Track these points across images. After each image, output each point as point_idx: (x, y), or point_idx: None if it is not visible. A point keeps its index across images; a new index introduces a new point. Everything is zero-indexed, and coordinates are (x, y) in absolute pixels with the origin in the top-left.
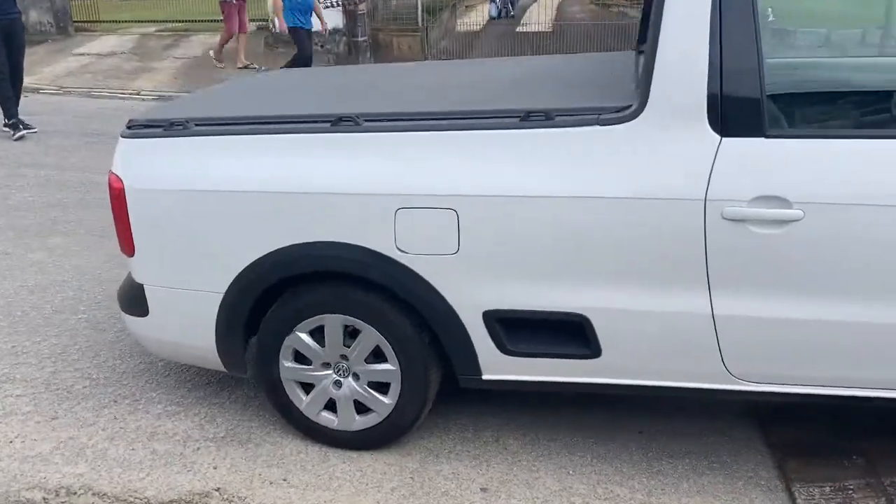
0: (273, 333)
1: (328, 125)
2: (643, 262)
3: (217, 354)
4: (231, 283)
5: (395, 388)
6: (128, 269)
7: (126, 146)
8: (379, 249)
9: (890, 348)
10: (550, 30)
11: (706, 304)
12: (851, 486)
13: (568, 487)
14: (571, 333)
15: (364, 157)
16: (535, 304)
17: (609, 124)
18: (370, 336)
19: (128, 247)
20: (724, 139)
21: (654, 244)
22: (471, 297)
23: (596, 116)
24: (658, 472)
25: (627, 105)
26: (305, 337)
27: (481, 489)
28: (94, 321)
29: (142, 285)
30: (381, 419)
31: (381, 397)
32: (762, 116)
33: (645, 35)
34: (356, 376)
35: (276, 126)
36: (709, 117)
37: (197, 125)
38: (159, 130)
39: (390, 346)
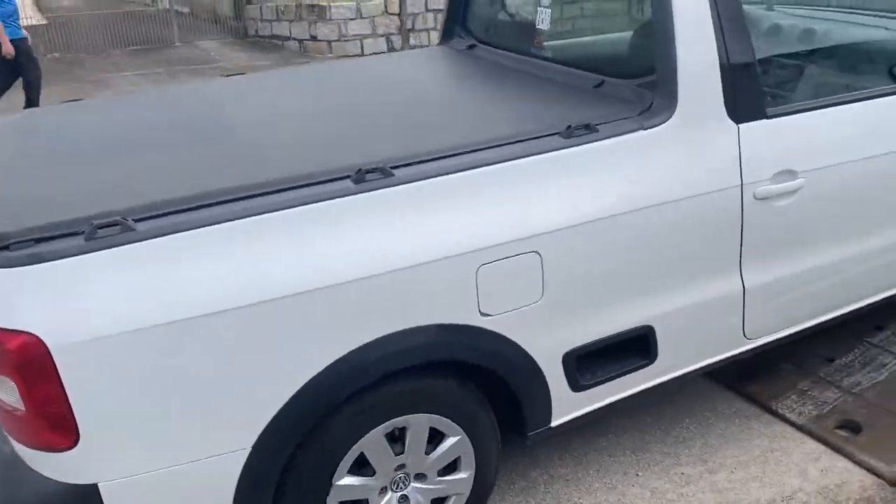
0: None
1: (349, 184)
2: (694, 258)
3: None
4: (262, 434)
5: (467, 458)
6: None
7: (21, 280)
8: (460, 321)
9: (866, 270)
10: (46, 22)
11: (739, 280)
12: (805, 387)
13: (652, 488)
14: (636, 347)
15: (419, 215)
16: (609, 330)
17: (651, 128)
18: (420, 425)
19: (58, 435)
20: (740, 125)
21: (704, 237)
22: (552, 343)
23: (639, 123)
24: (686, 440)
25: (647, 107)
26: (350, 480)
27: None
28: None
29: (94, 485)
30: (465, 497)
31: (457, 476)
32: (762, 100)
33: (451, 30)
34: (421, 476)
35: (266, 200)
36: (726, 108)
37: (138, 220)
38: (77, 243)
39: (446, 418)
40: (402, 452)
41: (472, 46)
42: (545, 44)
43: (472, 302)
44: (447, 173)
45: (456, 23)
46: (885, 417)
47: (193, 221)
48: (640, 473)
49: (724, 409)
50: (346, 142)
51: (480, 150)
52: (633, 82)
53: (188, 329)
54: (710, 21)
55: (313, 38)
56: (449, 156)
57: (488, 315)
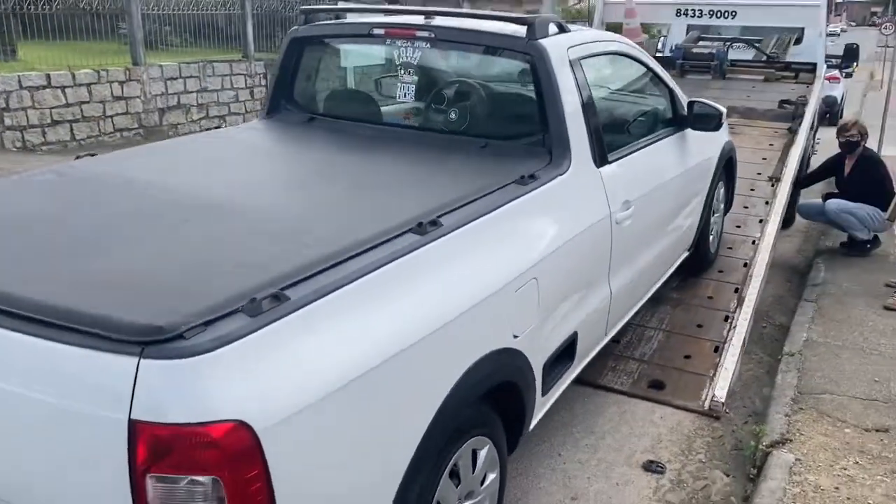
0: None
1: (415, 237)
2: (592, 273)
3: None
4: (402, 478)
5: (493, 462)
6: None
7: (211, 367)
8: (505, 345)
9: (657, 263)
10: None
11: (608, 287)
12: (613, 364)
13: (577, 461)
14: (567, 352)
15: (472, 253)
16: (560, 339)
17: (562, 175)
18: (468, 451)
19: None
20: (600, 170)
21: (597, 255)
22: (540, 355)
23: (555, 171)
24: (568, 423)
25: (550, 160)
26: None
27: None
28: None
29: None
30: (496, 496)
31: (489, 480)
32: (605, 150)
33: (277, 105)
34: (470, 494)
35: (366, 259)
36: (592, 158)
37: (283, 288)
38: (244, 320)
39: (481, 436)
40: (460, 483)
41: (311, 119)
42: (409, 115)
43: (508, 326)
44: (480, 216)
45: (283, 97)
46: (674, 373)
47: (330, 285)
48: (561, 453)
49: (570, 394)
50: (362, 202)
51: (480, 197)
52: (519, 142)
53: (358, 387)
54: (579, 97)
55: None
56: (467, 203)
57: (517, 336)
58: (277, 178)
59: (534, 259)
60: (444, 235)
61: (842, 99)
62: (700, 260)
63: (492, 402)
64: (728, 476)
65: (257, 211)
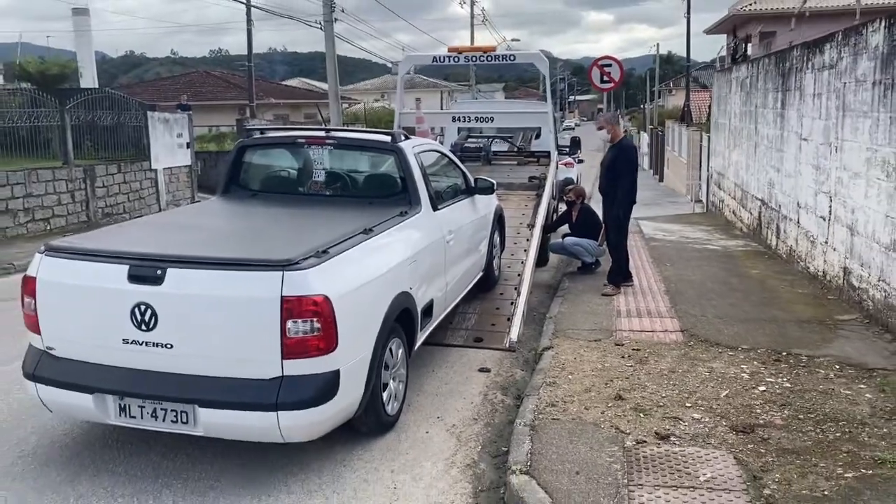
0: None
1: (364, 235)
2: (438, 267)
3: (363, 393)
4: (377, 337)
5: (401, 350)
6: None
7: (313, 274)
8: (406, 289)
9: (470, 269)
10: None
11: (444, 279)
12: (449, 332)
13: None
14: (428, 310)
15: (393, 241)
16: (426, 300)
17: (417, 214)
18: (389, 349)
19: (332, 343)
20: (436, 212)
21: (439, 258)
22: (420, 303)
23: (414, 211)
24: (436, 369)
25: (408, 207)
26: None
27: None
28: None
29: (338, 370)
30: (405, 372)
31: (400, 357)
32: (436, 202)
33: (228, 187)
34: (394, 367)
35: (350, 242)
36: (431, 207)
37: (327, 250)
38: (316, 258)
39: (397, 338)
40: (389, 367)
41: (254, 195)
42: (321, 187)
43: (407, 282)
44: (389, 228)
45: (233, 182)
46: (487, 333)
47: (344, 247)
48: (434, 370)
49: (428, 350)
50: (326, 224)
51: (384, 222)
52: (389, 199)
53: (367, 286)
54: (422, 173)
55: None
56: (380, 223)
57: (411, 288)
58: (265, 219)
59: (415, 250)
60: (376, 235)
61: (577, 180)
62: (489, 279)
63: (399, 322)
64: (523, 370)
65: (277, 228)
